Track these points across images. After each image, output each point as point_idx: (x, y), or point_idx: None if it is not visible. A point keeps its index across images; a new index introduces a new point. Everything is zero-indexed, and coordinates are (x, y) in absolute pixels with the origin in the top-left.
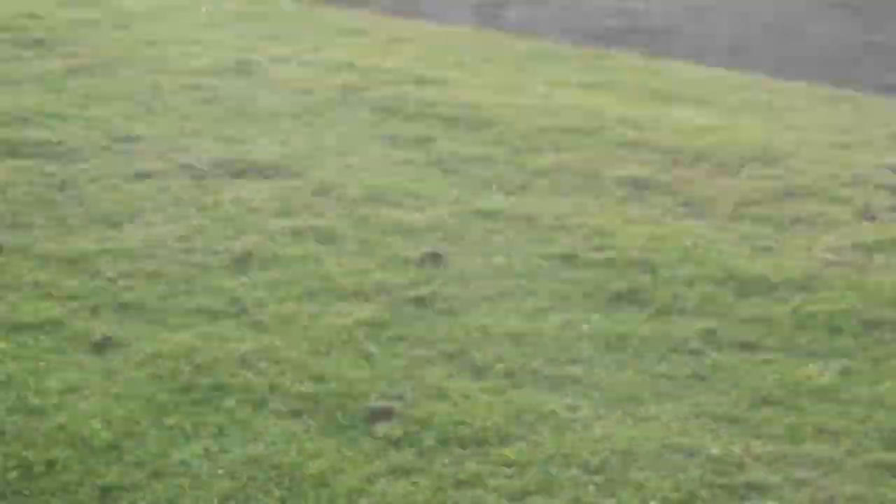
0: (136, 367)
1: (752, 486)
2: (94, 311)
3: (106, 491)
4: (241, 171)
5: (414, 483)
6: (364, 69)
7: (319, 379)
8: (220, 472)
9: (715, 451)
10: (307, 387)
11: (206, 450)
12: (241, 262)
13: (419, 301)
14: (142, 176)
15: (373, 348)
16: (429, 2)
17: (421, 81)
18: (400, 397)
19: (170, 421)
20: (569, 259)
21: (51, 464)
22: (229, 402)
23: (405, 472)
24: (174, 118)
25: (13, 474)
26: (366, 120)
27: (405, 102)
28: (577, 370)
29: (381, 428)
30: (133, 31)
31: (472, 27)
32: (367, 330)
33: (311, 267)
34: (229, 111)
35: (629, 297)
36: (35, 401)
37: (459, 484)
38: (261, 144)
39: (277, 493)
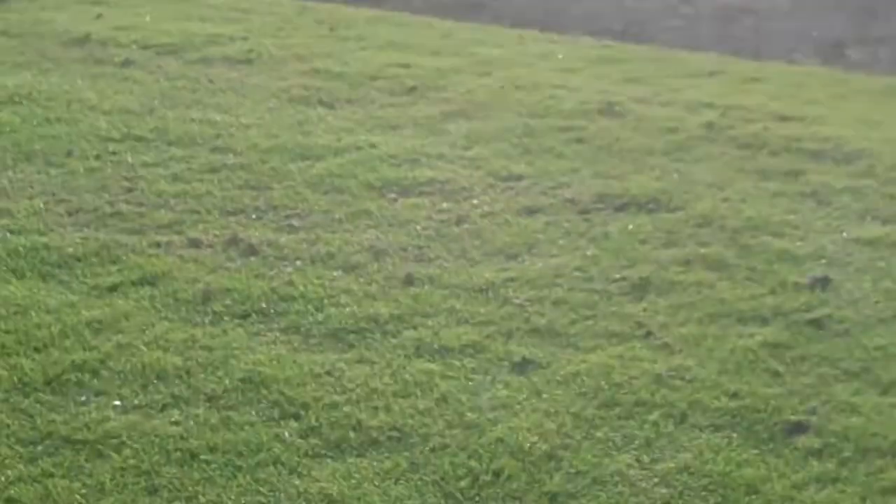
0: (559, 385)
1: None
2: (509, 335)
3: (552, 497)
4: (622, 205)
5: (841, 491)
6: (724, 107)
7: (734, 396)
8: (654, 480)
9: None
10: (723, 403)
11: (638, 460)
12: (639, 289)
13: (815, 323)
14: (531, 211)
15: (779, 367)
16: (774, 44)
17: (781, 118)
18: (813, 412)
19: (599, 434)
20: None
21: (497, 473)
22: (652, 417)
23: (830, 480)
24: (550, 157)
25: (463, 483)
26: (733, 155)
27: (769, 138)
28: None
29: (800, 440)
30: (496, 78)
31: (817, 66)
32: (770, 350)
33: (706, 292)
34: (601, 150)
35: None
36: (471, 416)
37: (884, 491)
38: (637, 180)
39: (712, 499)
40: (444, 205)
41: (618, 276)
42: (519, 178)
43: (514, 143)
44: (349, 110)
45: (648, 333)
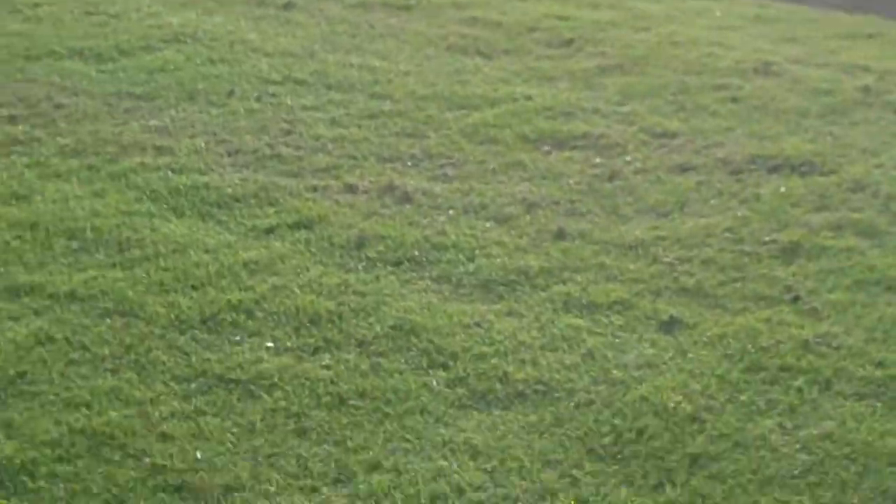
0: (705, 346)
1: None
2: (657, 293)
3: (694, 458)
4: (775, 166)
5: None
6: (881, 71)
7: (880, 365)
8: (796, 446)
9: None
10: (869, 371)
11: (781, 425)
12: (789, 253)
13: None
14: (683, 169)
15: None
16: None
17: None
18: None
19: (743, 397)
20: None
21: (640, 432)
22: (797, 383)
23: None
24: (704, 115)
25: (606, 440)
26: (889, 120)
27: None
28: None
29: None
30: (653, 33)
31: None
32: None
33: (856, 259)
34: (756, 109)
35: None
36: (616, 373)
37: None
38: (791, 142)
39: (853, 468)
40: (597, 160)
41: (768, 238)
42: (673, 135)
43: (669, 99)
44: (506, 61)
45: (796, 298)
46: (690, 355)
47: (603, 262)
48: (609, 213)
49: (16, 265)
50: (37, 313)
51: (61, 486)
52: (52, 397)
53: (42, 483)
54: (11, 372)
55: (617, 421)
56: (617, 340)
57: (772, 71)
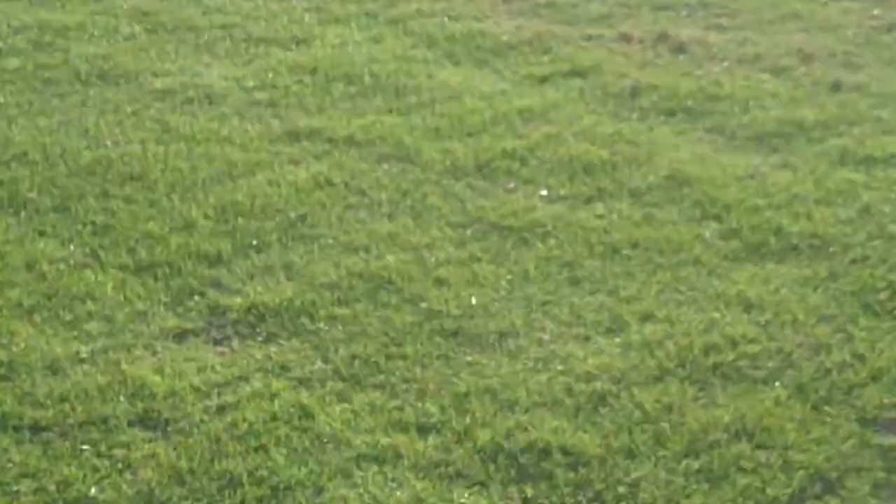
0: None
1: None
2: None
3: None
4: None
5: None
6: None
7: None
8: None
9: None
10: None
11: None
12: None
13: None
14: None
15: None
16: None
17: None
18: None
19: None
20: None
21: None
22: None
23: None
24: None
25: (882, 295)
26: None
27: None
28: None
29: None
30: None
31: None
32: None
33: None
34: None
35: None
36: (893, 228)
37: None
38: None
39: None
40: (876, 11)
41: None
42: None
43: None
44: None
45: None
46: None
47: (880, 116)
48: (887, 65)
49: (296, 109)
50: (316, 157)
51: (340, 328)
52: (330, 240)
53: (321, 325)
54: (292, 215)
55: (893, 276)
56: (894, 195)
57: None
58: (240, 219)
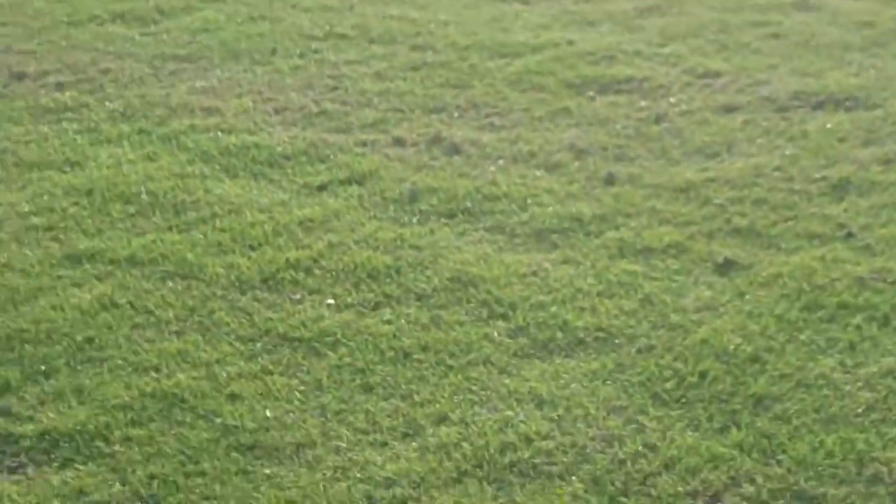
0: (761, 286)
1: None
2: (711, 235)
3: (757, 400)
4: (820, 102)
5: None
6: None
7: None
8: (858, 384)
9: None
10: None
11: (842, 363)
12: (840, 189)
13: None
14: (728, 109)
15: None
16: None
17: None
18: None
19: (802, 336)
20: None
21: (702, 375)
22: (856, 320)
23: None
24: (747, 53)
25: (669, 384)
26: None
27: None
28: None
29: None
30: None
31: None
32: None
33: None
34: (797, 45)
35: None
36: (675, 318)
37: None
38: (834, 77)
39: None
40: (643, 103)
41: (817, 175)
42: (716, 75)
43: (710, 39)
44: (544, 6)
45: (850, 235)
46: (748, 296)
47: (654, 207)
48: (658, 156)
49: (75, 232)
50: (99, 279)
51: (136, 449)
52: (120, 361)
53: (117, 447)
54: (79, 338)
55: (679, 365)
56: (674, 284)
57: (810, 5)
58: (26, 345)
